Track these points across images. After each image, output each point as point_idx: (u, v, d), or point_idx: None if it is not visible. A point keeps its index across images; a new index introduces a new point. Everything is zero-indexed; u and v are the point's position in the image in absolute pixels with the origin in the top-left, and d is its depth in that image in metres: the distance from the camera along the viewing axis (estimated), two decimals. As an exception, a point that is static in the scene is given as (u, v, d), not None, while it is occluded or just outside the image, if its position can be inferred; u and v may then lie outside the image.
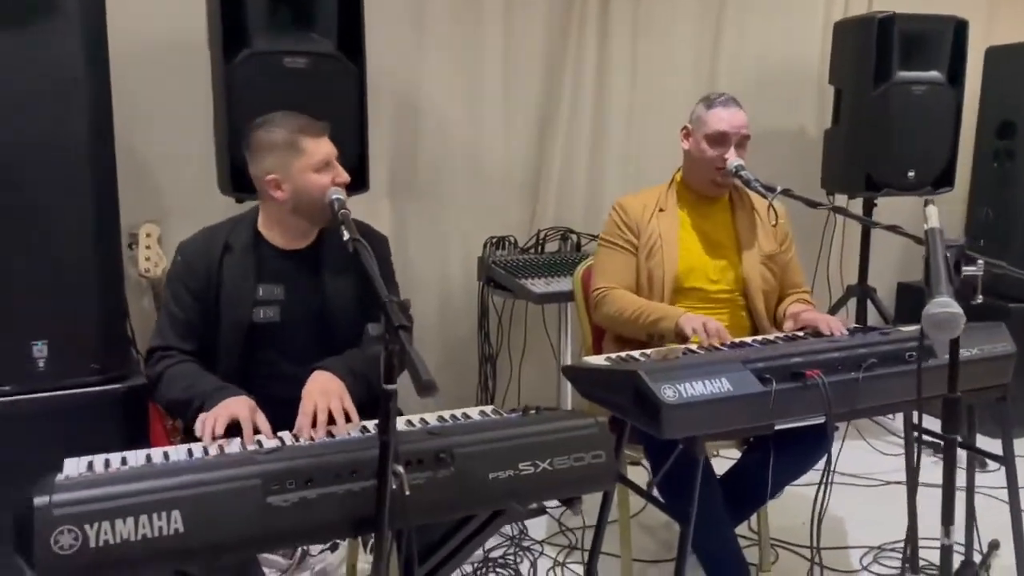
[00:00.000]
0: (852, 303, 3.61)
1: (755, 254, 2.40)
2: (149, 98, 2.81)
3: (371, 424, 1.67)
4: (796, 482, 2.27)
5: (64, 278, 2.24)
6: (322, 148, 1.91)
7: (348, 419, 1.71)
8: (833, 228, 3.74)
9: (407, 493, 1.35)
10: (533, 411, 1.69)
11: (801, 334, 2.18)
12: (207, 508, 1.32)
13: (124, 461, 1.49)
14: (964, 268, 1.49)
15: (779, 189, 2.18)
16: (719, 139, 2.32)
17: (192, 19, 2.65)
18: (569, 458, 1.57)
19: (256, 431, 1.68)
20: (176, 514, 1.30)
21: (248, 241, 1.99)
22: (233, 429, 1.67)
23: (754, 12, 3.71)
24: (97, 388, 2.29)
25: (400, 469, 1.35)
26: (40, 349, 2.23)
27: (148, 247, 2.75)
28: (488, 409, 1.81)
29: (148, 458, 1.51)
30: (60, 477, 1.36)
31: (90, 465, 1.46)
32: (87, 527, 1.25)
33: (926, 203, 1.54)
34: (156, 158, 2.92)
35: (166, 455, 1.54)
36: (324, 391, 1.74)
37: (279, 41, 2.50)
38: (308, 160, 1.89)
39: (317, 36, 2.55)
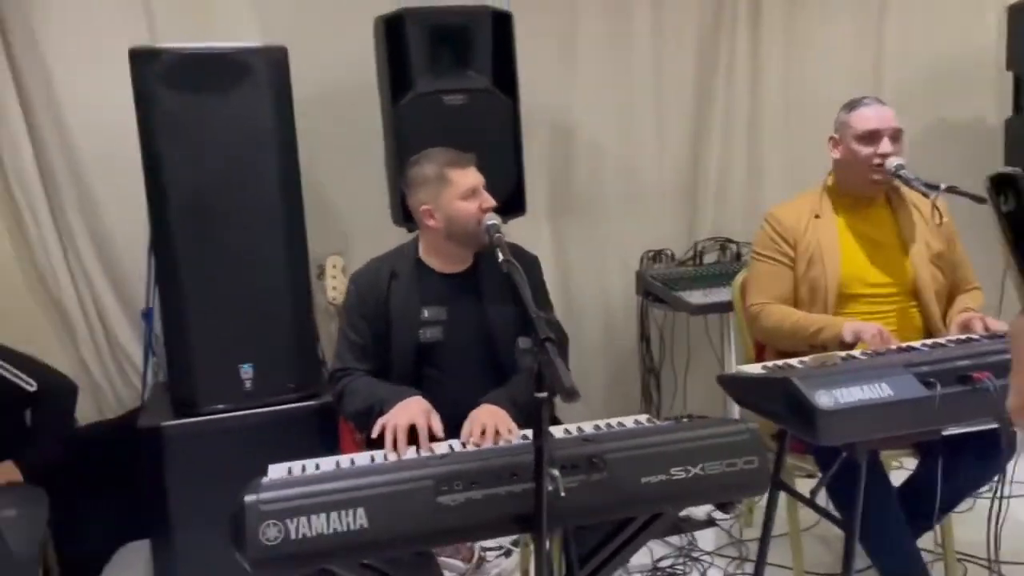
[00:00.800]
0: (1048, 302, 3.33)
1: (923, 253, 2.31)
2: (330, 140, 3.09)
3: (529, 432, 1.78)
4: (987, 493, 2.15)
5: (263, 307, 2.54)
6: (468, 179, 2.08)
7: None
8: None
9: (563, 495, 1.44)
10: (685, 419, 1.74)
11: (975, 336, 2.08)
12: (386, 506, 1.48)
13: (318, 466, 1.68)
14: None
15: (942, 187, 2.09)
16: (870, 136, 2.26)
17: (364, 65, 2.90)
18: (721, 463, 1.61)
19: (432, 436, 1.84)
20: (360, 511, 1.46)
21: (411, 268, 2.18)
22: (411, 434, 1.84)
23: (917, 7, 3.53)
24: (295, 405, 2.58)
25: (556, 472, 1.45)
26: (247, 371, 2.54)
27: (334, 276, 3.04)
28: (643, 418, 1.87)
29: (338, 464, 1.70)
30: (266, 480, 1.57)
31: (290, 470, 1.67)
32: (288, 521, 1.44)
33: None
34: (339, 194, 3.21)
35: (352, 461, 1.73)
36: (491, 414, 1.89)
37: (439, 81, 2.70)
38: (455, 190, 2.07)
39: (474, 74, 2.74)
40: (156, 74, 2.38)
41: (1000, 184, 2.03)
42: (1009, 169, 1.89)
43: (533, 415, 1.44)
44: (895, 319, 2.31)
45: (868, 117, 2.27)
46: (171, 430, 2.50)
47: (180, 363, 2.55)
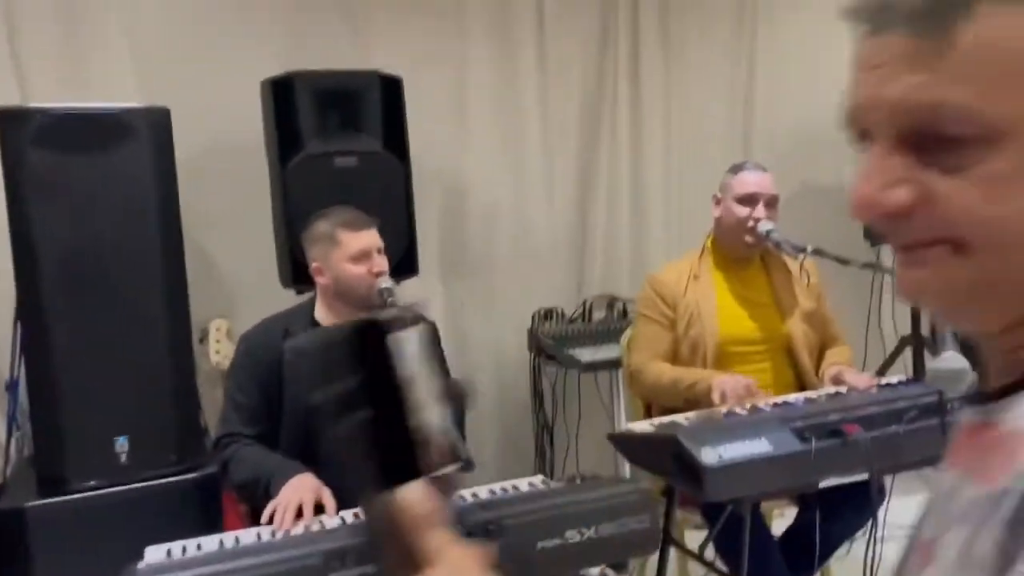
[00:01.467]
0: (908, 353, 3.58)
1: (795, 311, 2.45)
2: (214, 201, 3.01)
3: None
4: (863, 537, 2.25)
5: (142, 374, 2.42)
6: (359, 241, 2.08)
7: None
8: (882, 280, 3.73)
9: (458, 565, 1.42)
10: (579, 480, 1.76)
11: (844, 390, 2.20)
12: (274, 587, 1.42)
13: (200, 547, 1.60)
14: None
15: (809, 249, 2.23)
16: (748, 199, 2.40)
17: (250, 125, 2.87)
18: (614, 523, 1.63)
19: (320, 508, 1.78)
20: (246, 594, 1.40)
21: (306, 327, 2.13)
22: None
23: (788, 67, 3.76)
24: (175, 478, 2.44)
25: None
26: (122, 444, 2.40)
27: (218, 340, 2.93)
28: (537, 480, 1.88)
29: (221, 543, 1.62)
30: (142, 565, 1.48)
31: (169, 552, 1.58)
32: (167, 609, 1.36)
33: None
34: (223, 256, 3.12)
35: (237, 539, 1.65)
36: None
37: (329, 143, 2.70)
38: (343, 252, 2.07)
39: (364, 136, 2.75)
40: (26, 135, 2.27)
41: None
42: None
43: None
44: (770, 374, 2.43)
45: (748, 181, 2.41)
46: (36, 511, 2.32)
47: (48, 437, 2.39)
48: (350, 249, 2.07)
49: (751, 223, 2.38)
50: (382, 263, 2.09)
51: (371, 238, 2.11)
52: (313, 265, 2.12)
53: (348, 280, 2.07)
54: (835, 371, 2.28)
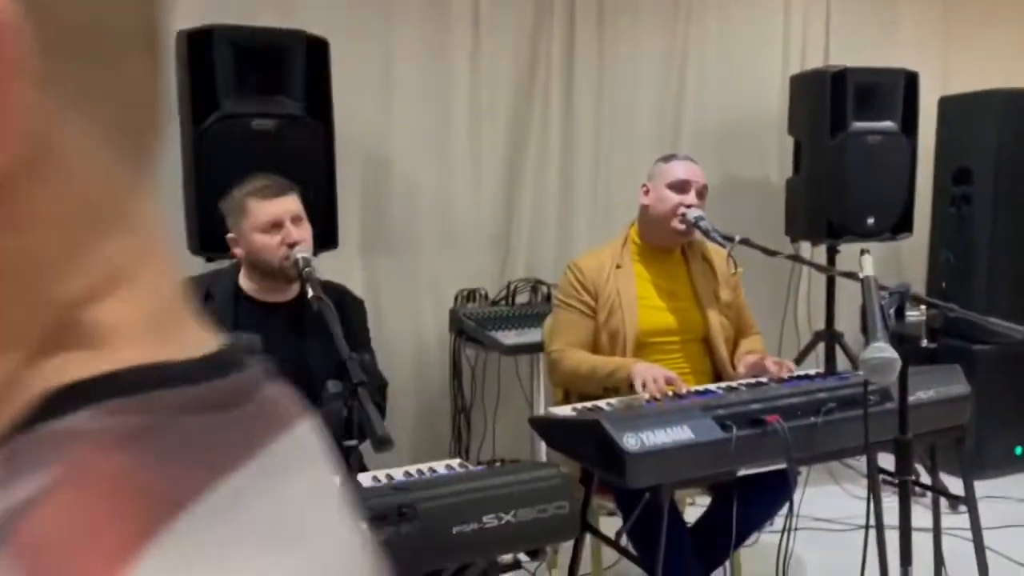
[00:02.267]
0: (821, 348, 3.66)
1: (712, 302, 2.46)
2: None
3: (336, 481, 1.68)
4: (773, 529, 2.28)
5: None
6: (267, 210, 1.98)
7: None
8: (799, 274, 3.82)
9: (369, 549, 1.35)
10: (498, 463, 1.71)
11: (764, 380, 2.22)
12: None
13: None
14: (907, 313, 1.54)
15: (737, 239, 2.24)
16: (680, 185, 2.39)
17: (163, 82, 2.71)
18: (533, 509, 1.58)
19: None
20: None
21: (229, 292, 2.05)
22: None
23: (716, 65, 3.83)
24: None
25: (362, 525, 1.36)
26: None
27: (119, 306, 2.76)
28: (455, 463, 1.82)
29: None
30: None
31: None
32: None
33: (861, 252, 1.60)
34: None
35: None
36: None
37: (247, 104, 2.56)
38: (252, 221, 1.98)
39: (285, 99, 2.61)
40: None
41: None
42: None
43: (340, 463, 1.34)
44: (688, 364, 2.44)
45: (680, 169, 2.42)
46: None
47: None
48: (259, 219, 1.97)
49: (682, 210, 2.37)
50: (297, 233, 1.98)
51: (284, 206, 2.00)
52: (228, 236, 2.05)
53: (258, 251, 1.98)
54: (753, 359, 2.30)
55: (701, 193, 2.42)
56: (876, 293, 1.47)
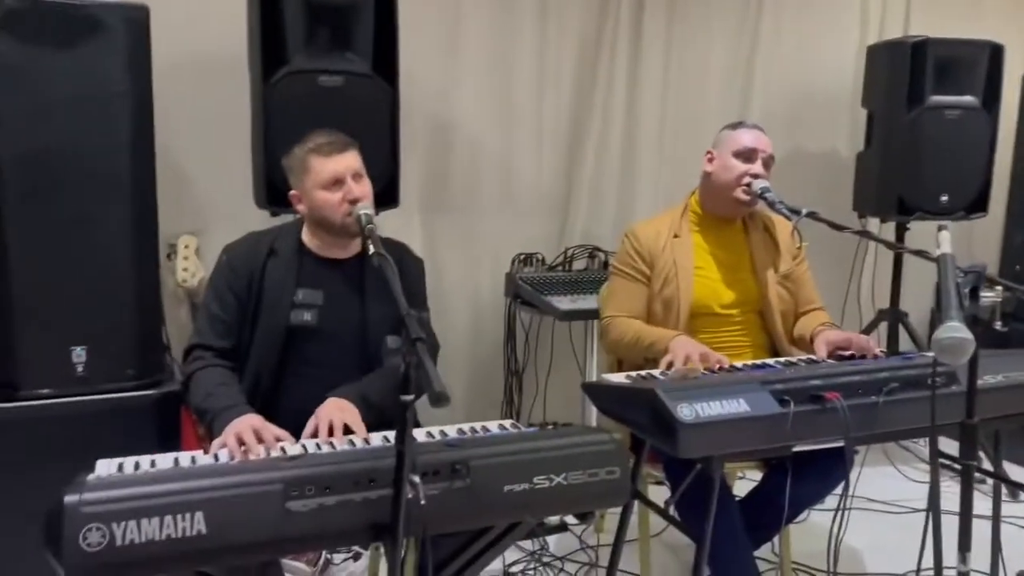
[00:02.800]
0: (884, 327, 3.58)
1: (771, 275, 2.41)
2: (190, 112, 2.89)
3: (391, 435, 1.71)
4: (822, 507, 2.25)
5: (104, 285, 2.33)
6: (329, 166, 1.98)
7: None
8: (865, 251, 3.72)
9: (423, 502, 1.38)
10: (550, 426, 1.72)
11: (847, 354, 2.16)
12: (229, 511, 1.37)
13: (153, 464, 1.54)
14: (982, 294, 1.49)
15: (804, 212, 2.18)
16: (747, 154, 2.34)
17: (233, 36, 2.73)
18: (584, 473, 1.59)
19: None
20: (199, 516, 1.34)
21: (292, 247, 2.07)
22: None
23: (789, 34, 3.72)
24: (133, 393, 2.37)
25: (416, 479, 1.39)
26: (79, 354, 2.31)
27: (186, 258, 2.84)
28: (507, 423, 1.84)
29: (176, 461, 1.56)
30: (91, 477, 1.42)
31: (120, 467, 1.51)
32: (114, 526, 1.30)
33: (939, 228, 1.54)
34: (196, 171, 3.01)
35: (193, 459, 1.59)
36: (339, 408, 1.80)
37: (316, 60, 2.57)
38: (315, 178, 1.99)
39: (353, 56, 2.62)
40: (-6, 18, 2.14)
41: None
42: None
43: (396, 417, 1.37)
44: (743, 336, 2.40)
45: (747, 137, 2.36)
46: (-15, 415, 2.24)
47: (1, 340, 2.29)
48: (321, 176, 1.98)
49: (747, 179, 2.32)
50: (359, 189, 1.99)
51: (345, 162, 2.00)
52: (291, 192, 2.06)
53: (321, 208, 1.99)
54: (839, 336, 2.22)
55: (767, 163, 2.36)
56: (953, 271, 1.42)
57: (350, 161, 2.01)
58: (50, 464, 2.16)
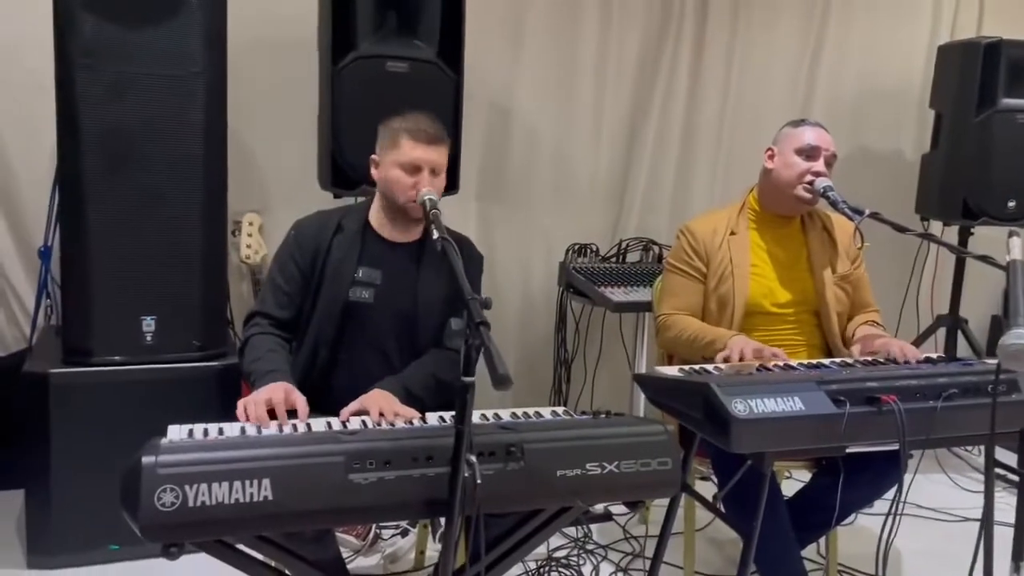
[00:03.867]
0: (941, 333, 3.52)
1: (828, 275, 2.39)
2: (260, 92, 2.96)
3: (448, 415, 1.75)
4: (870, 511, 2.24)
5: (173, 259, 2.42)
6: (415, 153, 2.01)
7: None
8: (926, 254, 3.66)
9: (478, 482, 1.42)
10: (604, 415, 1.74)
11: (881, 359, 2.16)
12: (294, 479, 1.42)
13: (221, 431, 1.60)
14: (1050, 303, 1.47)
15: (867, 212, 2.16)
16: (810, 152, 2.31)
17: (304, 20, 2.80)
18: (636, 463, 1.61)
19: (292, 413, 1.76)
20: (266, 482, 1.40)
21: (358, 226, 2.13)
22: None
23: (857, 31, 3.66)
24: (197, 364, 2.46)
25: (473, 458, 1.43)
26: (149, 324, 2.41)
27: (250, 235, 2.92)
28: (560, 410, 1.86)
29: (243, 431, 1.63)
30: (165, 441, 1.48)
31: (191, 432, 1.58)
32: (187, 487, 1.36)
33: (1010, 234, 1.52)
34: (262, 150, 3.08)
35: (259, 429, 1.65)
36: (384, 398, 1.84)
37: (383, 46, 2.62)
38: (397, 155, 2.02)
39: (419, 43, 2.66)
40: (79, -3, 2.22)
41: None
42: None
43: (456, 398, 1.40)
44: (798, 336, 2.39)
45: (810, 134, 2.33)
46: (59, 378, 2.34)
47: (76, 308, 2.39)
48: (403, 157, 2.02)
49: (809, 177, 2.30)
50: (430, 183, 2.01)
51: (431, 155, 2.03)
52: (373, 155, 2.10)
53: (391, 183, 2.04)
54: (875, 338, 2.22)
55: (829, 162, 2.33)
56: (1022, 277, 1.40)
57: (435, 156, 2.04)
58: (119, 427, 2.28)
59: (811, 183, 2.29)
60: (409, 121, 2.05)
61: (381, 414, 1.76)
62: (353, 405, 1.82)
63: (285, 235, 2.16)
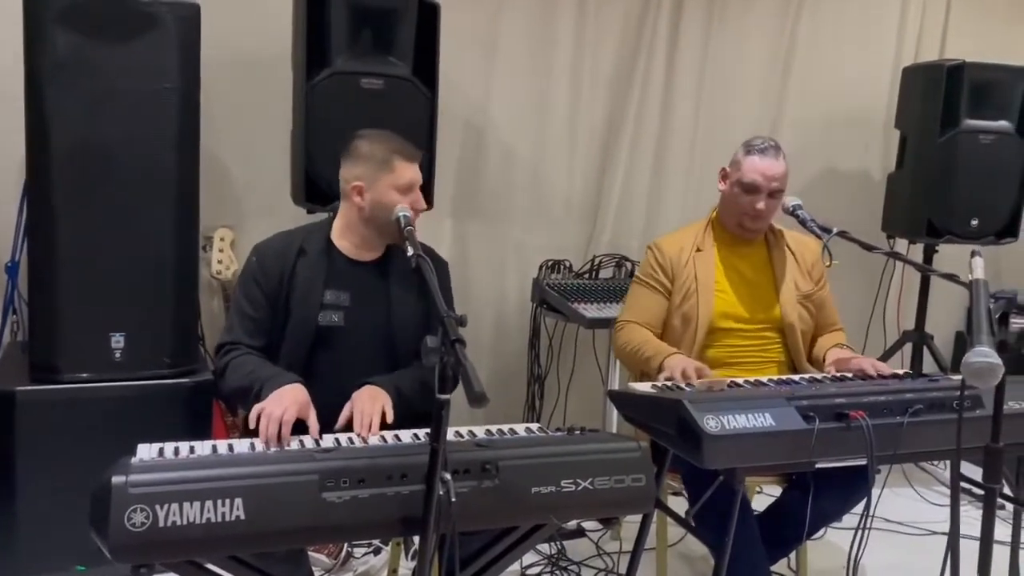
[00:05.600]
0: (907, 349, 3.58)
1: (792, 293, 2.43)
2: (232, 107, 2.95)
3: (422, 432, 1.75)
4: (839, 525, 2.27)
5: (144, 275, 2.39)
6: (409, 173, 2.03)
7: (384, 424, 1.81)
8: (892, 272, 3.72)
9: (453, 500, 1.42)
10: (578, 431, 1.75)
11: (849, 375, 2.19)
12: (267, 499, 1.41)
13: (192, 450, 1.59)
14: (1012, 320, 1.50)
15: (835, 231, 2.20)
16: (750, 188, 2.35)
17: (278, 36, 2.80)
18: (610, 479, 1.62)
19: (302, 427, 1.77)
20: (239, 502, 1.39)
21: (321, 247, 2.09)
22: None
23: (824, 51, 3.72)
24: (168, 381, 2.43)
25: (448, 476, 1.42)
26: (118, 340, 2.38)
27: (221, 250, 2.90)
28: (534, 427, 1.87)
29: (214, 449, 1.61)
30: (135, 460, 1.46)
31: (161, 451, 1.56)
32: (158, 507, 1.35)
33: (972, 254, 1.56)
34: (234, 165, 3.06)
35: (231, 447, 1.64)
36: (372, 397, 1.84)
37: (358, 63, 2.62)
38: (395, 179, 2.01)
39: (394, 60, 2.67)
40: (51, 13, 2.20)
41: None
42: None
43: (426, 411, 1.41)
44: (765, 354, 2.42)
45: (756, 168, 2.34)
46: (26, 395, 2.30)
47: (44, 324, 2.35)
48: (402, 179, 2.01)
49: (752, 212, 2.35)
50: (423, 201, 2.05)
51: (419, 173, 2.06)
52: (354, 184, 2.03)
53: (388, 207, 1.98)
54: (847, 356, 2.26)
55: (773, 195, 2.35)
56: (985, 297, 1.44)
57: (419, 172, 2.06)
58: (87, 445, 2.24)
59: (754, 217, 2.35)
60: (393, 142, 2.05)
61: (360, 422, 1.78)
62: (345, 410, 1.83)
63: (246, 260, 2.13)
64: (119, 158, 2.31)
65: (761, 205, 2.34)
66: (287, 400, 1.79)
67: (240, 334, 2.05)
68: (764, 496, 2.71)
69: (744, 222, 2.38)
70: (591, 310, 3.02)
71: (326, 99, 2.59)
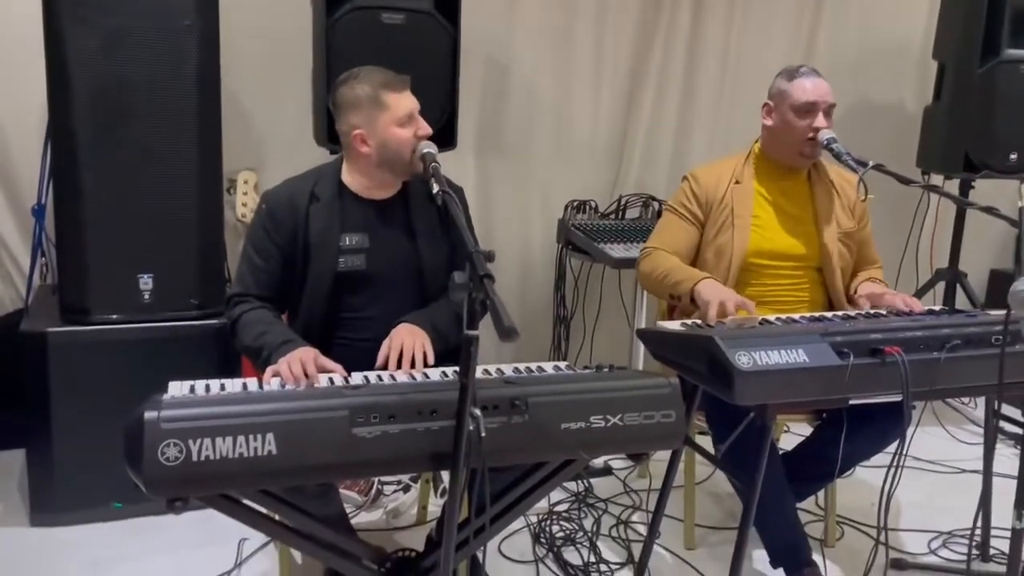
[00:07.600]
0: (940, 287, 3.51)
1: (833, 230, 2.37)
2: (253, 49, 2.90)
3: (451, 369, 1.74)
4: (868, 464, 2.25)
5: (169, 216, 2.39)
6: (404, 102, 1.95)
7: (426, 364, 1.79)
8: (927, 208, 3.63)
9: (483, 435, 1.41)
10: (606, 368, 1.74)
11: (883, 312, 2.15)
12: (298, 434, 1.41)
13: (223, 387, 1.59)
14: (1059, 252, 1.46)
15: (871, 164, 2.13)
16: (807, 109, 2.27)
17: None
18: (639, 415, 1.61)
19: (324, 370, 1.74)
20: (270, 437, 1.39)
21: (334, 191, 2.02)
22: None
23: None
24: (195, 322, 2.44)
25: (477, 412, 1.42)
26: (146, 282, 2.39)
27: (245, 193, 2.88)
28: (562, 364, 1.85)
29: (244, 386, 1.62)
30: (167, 396, 1.47)
31: (192, 388, 1.57)
32: (191, 442, 1.36)
33: (1022, 181, 1.50)
34: (257, 108, 3.03)
35: (261, 385, 1.64)
36: (411, 333, 1.83)
37: (379, -3, 2.56)
38: (392, 115, 1.93)
39: (416, -6, 2.60)
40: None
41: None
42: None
43: (460, 352, 1.39)
44: (796, 293, 2.37)
45: (807, 89, 2.28)
46: (57, 337, 2.33)
47: (72, 266, 2.37)
48: (399, 111, 1.93)
49: (811, 135, 2.26)
50: (426, 126, 1.98)
51: (413, 99, 1.98)
52: (355, 132, 1.94)
53: (396, 146, 1.93)
54: (879, 290, 2.21)
55: (829, 112, 2.29)
56: (1034, 225, 1.39)
57: (414, 98, 1.99)
58: (118, 385, 2.27)
59: (812, 139, 2.26)
60: (375, 78, 1.95)
61: (401, 356, 1.77)
62: (383, 347, 1.81)
63: (256, 208, 2.06)
64: (139, 97, 2.29)
65: (822, 122, 2.26)
66: (294, 357, 1.73)
67: (251, 285, 1.99)
68: (791, 435, 2.71)
69: (804, 149, 2.29)
70: (618, 250, 2.98)
71: (346, 35, 2.53)
